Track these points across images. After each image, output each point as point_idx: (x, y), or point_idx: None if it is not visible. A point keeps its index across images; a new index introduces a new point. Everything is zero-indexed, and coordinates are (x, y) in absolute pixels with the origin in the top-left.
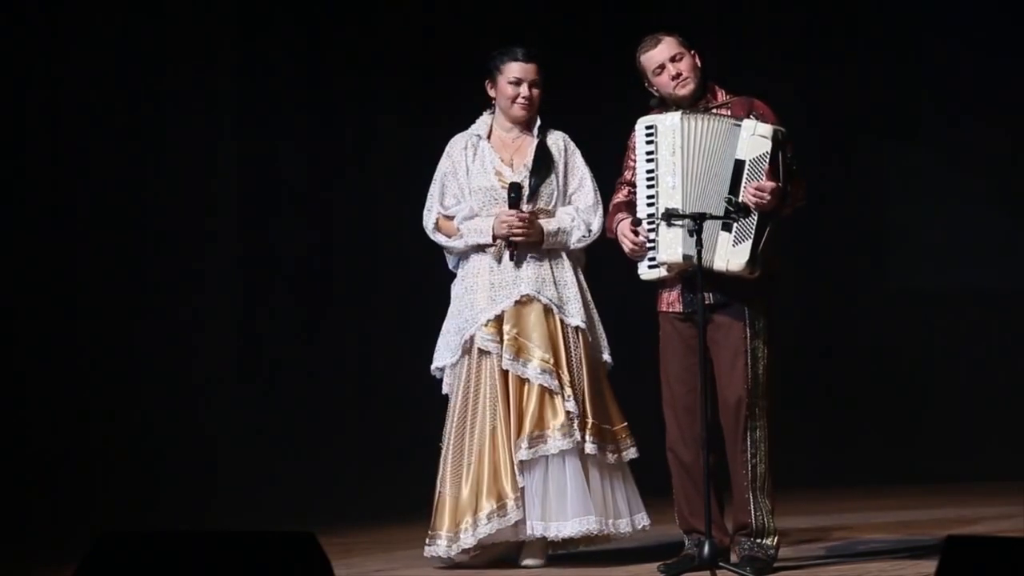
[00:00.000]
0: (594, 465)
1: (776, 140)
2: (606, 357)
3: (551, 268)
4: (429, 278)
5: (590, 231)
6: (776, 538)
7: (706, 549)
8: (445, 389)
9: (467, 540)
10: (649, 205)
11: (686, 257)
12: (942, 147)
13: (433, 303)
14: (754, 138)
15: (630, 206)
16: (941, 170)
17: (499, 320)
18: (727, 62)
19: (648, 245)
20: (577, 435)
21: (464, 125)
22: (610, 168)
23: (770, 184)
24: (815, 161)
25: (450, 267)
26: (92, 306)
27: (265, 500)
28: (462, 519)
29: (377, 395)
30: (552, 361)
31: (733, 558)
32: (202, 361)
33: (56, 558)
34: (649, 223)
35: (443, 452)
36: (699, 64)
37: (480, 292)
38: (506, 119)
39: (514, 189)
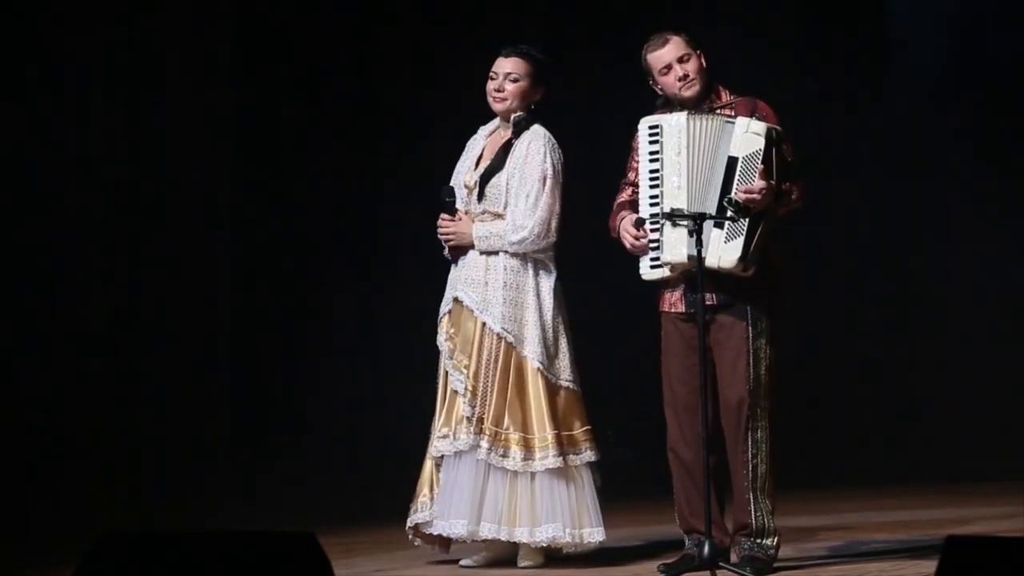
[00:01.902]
0: (493, 470)
1: (770, 138)
2: (536, 364)
3: (485, 269)
4: (430, 277)
5: (522, 233)
6: (776, 538)
7: (706, 549)
8: None
9: (408, 527)
10: (652, 205)
11: (690, 258)
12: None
13: (435, 302)
14: (747, 135)
15: (633, 205)
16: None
17: (449, 318)
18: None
19: (651, 245)
20: (471, 438)
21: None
22: (609, 170)
23: (759, 184)
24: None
25: None
26: (92, 307)
27: (265, 500)
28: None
29: (378, 394)
30: (466, 362)
31: (733, 558)
32: (201, 361)
33: (56, 558)
34: (652, 223)
35: None
36: (705, 65)
37: (445, 291)
38: (498, 116)
39: (447, 193)
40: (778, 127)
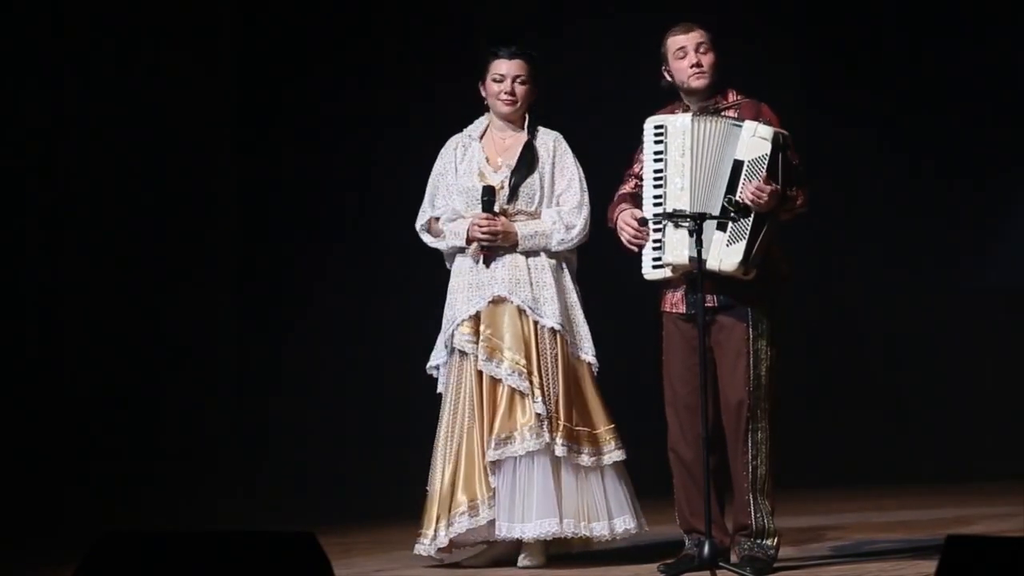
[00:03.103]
0: (567, 467)
1: (776, 143)
2: (589, 359)
3: (528, 269)
4: (429, 277)
5: (572, 233)
6: (776, 539)
7: (706, 549)
8: (439, 388)
9: (442, 538)
10: (656, 205)
11: (691, 259)
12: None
13: (433, 302)
14: (754, 139)
15: (635, 198)
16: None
17: (476, 320)
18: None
19: (654, 245)
20: (546, 436)
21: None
22: (609, 168)
23: (768, 187)
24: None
25: (447, 267)
26: (93, 308)
27: (265, 500)
28: (440, 517)
29: (378, 394)
30: (523, 362)
31: (733, 558)
32: (202, 361)
33: (56, 558)
34: (655, 223)
35: (433, 452)
36: (717, 62)
37: (460, 292)
38: (497, 118)
39: (487, 192)
40: (785, 132)
